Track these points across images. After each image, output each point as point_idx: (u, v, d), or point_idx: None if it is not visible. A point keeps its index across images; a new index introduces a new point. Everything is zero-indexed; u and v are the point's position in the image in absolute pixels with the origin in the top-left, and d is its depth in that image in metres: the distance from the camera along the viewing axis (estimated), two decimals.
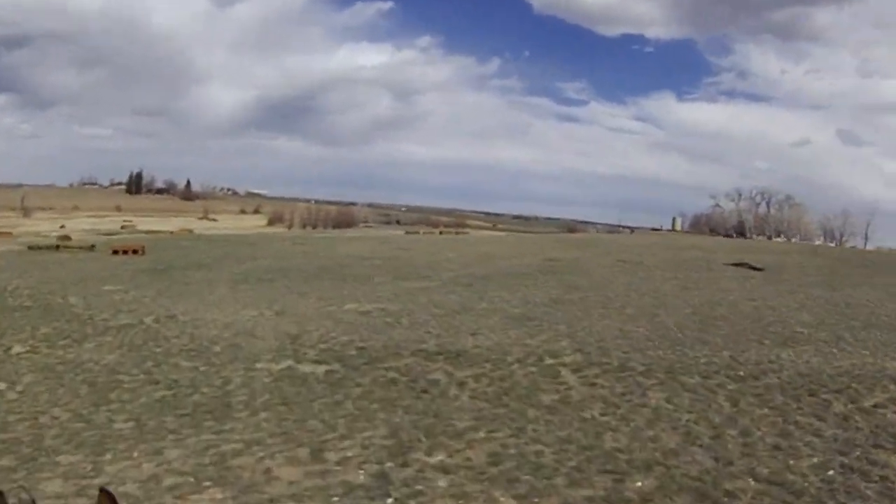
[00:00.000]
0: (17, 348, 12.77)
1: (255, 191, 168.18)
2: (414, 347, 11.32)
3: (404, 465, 6.10)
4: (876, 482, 5.63)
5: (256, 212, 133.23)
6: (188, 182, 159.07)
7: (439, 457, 6.19)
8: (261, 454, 6.47)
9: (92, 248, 32.88)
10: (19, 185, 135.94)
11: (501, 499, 5.33)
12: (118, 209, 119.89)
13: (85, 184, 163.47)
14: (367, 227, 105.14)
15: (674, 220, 76.44)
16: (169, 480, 5.96)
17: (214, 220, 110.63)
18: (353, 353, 11.41)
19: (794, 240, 57.53)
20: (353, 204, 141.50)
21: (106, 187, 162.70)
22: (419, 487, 5.55)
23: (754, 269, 24.10)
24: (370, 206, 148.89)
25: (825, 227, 61.57)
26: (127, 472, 6.25)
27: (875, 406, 7.71)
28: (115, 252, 29.89)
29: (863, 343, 11.14)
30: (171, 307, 16.81)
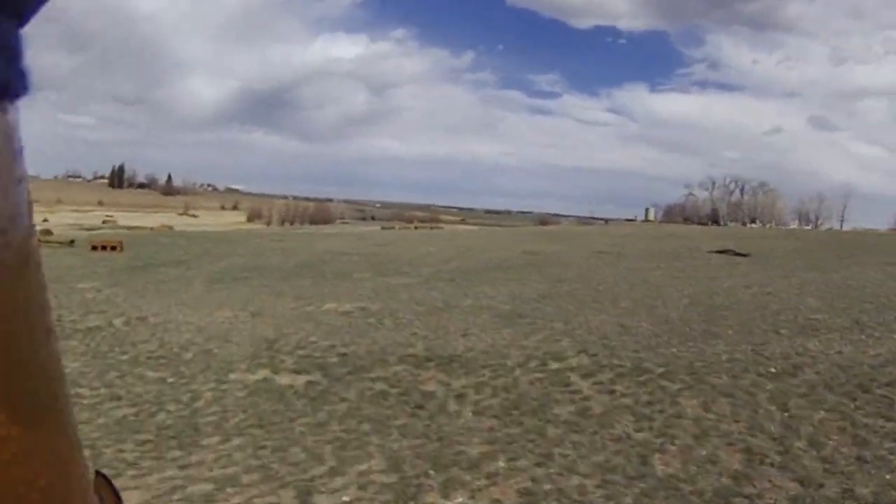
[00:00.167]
0: None
1: (234, 186, 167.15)
2: (401, 352, 10.20)
3: None
4: None
5: (235, 208, 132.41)
6: (169, 177, 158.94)
7: (459, 499, 5.00)
8: (236, 500, 5.31)
9: (72, 243, 31.91)
10: None
11: None
12: (100, 204, 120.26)
13: (69, 176, 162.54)
14: (343, 223, 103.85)
15: (647, 210, 76.44)
16: None
17: (195, 216, 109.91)
18: (335, 360, 10.25)
19: (768, 225, 57.63)
20: (329, 200, 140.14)
21: (89, 181, 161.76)
22: None
23: (739, 255, 23.43)
24: (346, 202, 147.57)
25: (800, 211, 61.90)
26: None
27: None
28: (95, 248, 28.94)
29: (887, 327, 10.22)
30: (143, 308, 15.52)
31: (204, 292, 18.20)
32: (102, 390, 9.48)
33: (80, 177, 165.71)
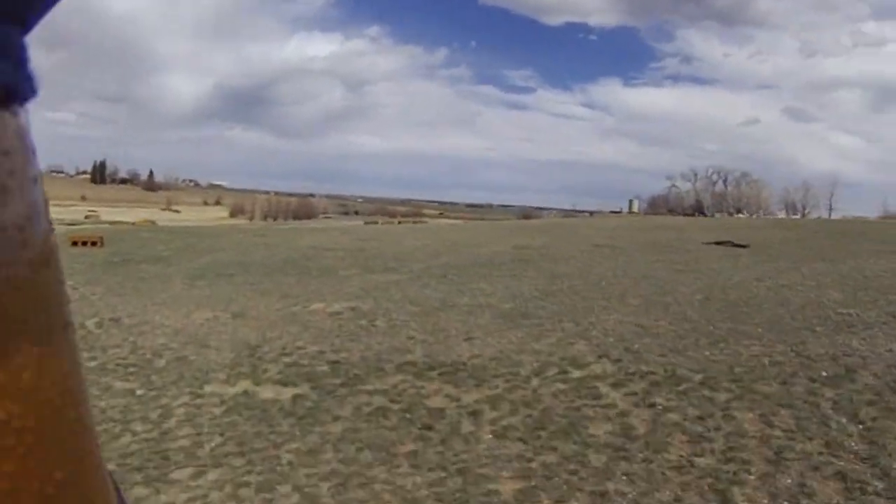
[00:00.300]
0: None
1: (216, 182, 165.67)
2: (399, 360, 9.08)
3: None
4: None
5: (218, 203, 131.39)
6: (151, 172, 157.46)
7: None
8: None
9: None
10: None
11: None
12: (83, 199, 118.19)
13: (52, 172, 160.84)
14: (326, 217, 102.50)
15: (630, 202, 75.47)
16: None
17: (177, 211, 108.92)
18: (326, 369, 9.10)
19: (755, 215, 57.13)
20: (311, 195, 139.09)
21: (72, 176, 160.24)
22: None
23: (738, 246, 22.57)
24: (328, 197, 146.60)
25: (787, 201, 61.38)
26: None
27: None
28: (75, 243, 27.57)
29: None
30: (118, 308, 14.24)
31: (183, 290, 16.90)
32: None
33: (62, 172, 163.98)
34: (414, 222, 65.13)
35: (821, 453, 5.12)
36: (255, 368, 9.40)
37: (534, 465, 5.30)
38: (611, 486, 4.78)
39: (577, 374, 7.62)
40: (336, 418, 6.92)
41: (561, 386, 7.18)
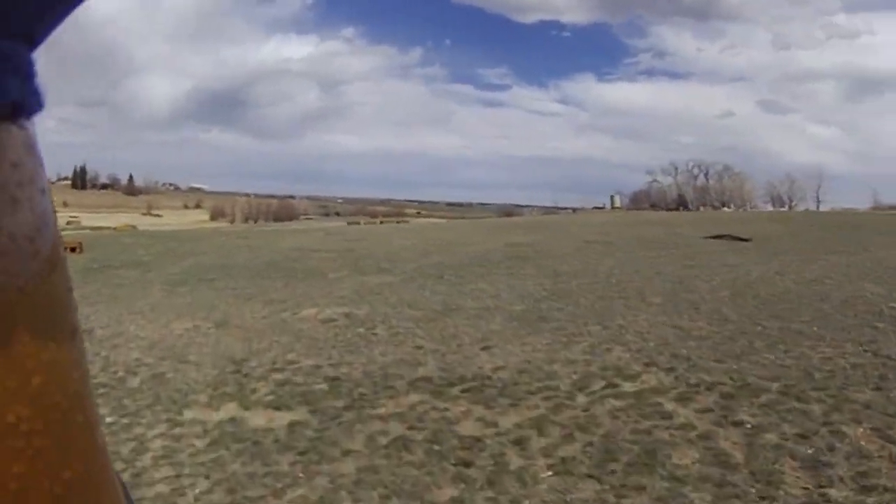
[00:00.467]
0: None
1: (196, 185, 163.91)
2: (410, 374, 7.78)
3: None
4: None
5: (198, 206, 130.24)
6: (131, 177, 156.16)
7: None
8: None
9: None
10: None
11: None
12: (65, 205, 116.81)
13: None
14: (307, 219, 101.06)
15: (612, 198, 74.45)
16: None
17: (159, 215, 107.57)
18: (324, 387, 7.77)
19: (741, 209, 56.55)
20: (292, 197, 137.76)
21: (53, 182, 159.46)
22: None
23: (741, 240, 21.65)
24: (309, 198, 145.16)
25: (772, 194, 60.89)
26: None
27: None
28: None
29: None
30: (91, 318, 12.75)
31: (163, 297, 15.42)
32: None
33: None
34: (397, 222, 63.77)
35: None
36: (242, 388, 8.06)
37: None
38: None
39: (628, 387, 6.40)
40: (346, 453, 5.60)
41: (615, 403, 5.94)
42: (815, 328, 8.37)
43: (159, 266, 21.93)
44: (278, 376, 8.37)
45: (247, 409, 7.29)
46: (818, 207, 56.45)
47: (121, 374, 9.18)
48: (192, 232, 46.99)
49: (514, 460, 5.03)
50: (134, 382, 8.77)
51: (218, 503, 4.95)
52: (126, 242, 32.81)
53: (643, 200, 69.29)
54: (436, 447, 5.40)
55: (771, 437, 4.96)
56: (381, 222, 62.05)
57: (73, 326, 0.26)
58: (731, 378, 6.40)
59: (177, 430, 6.86)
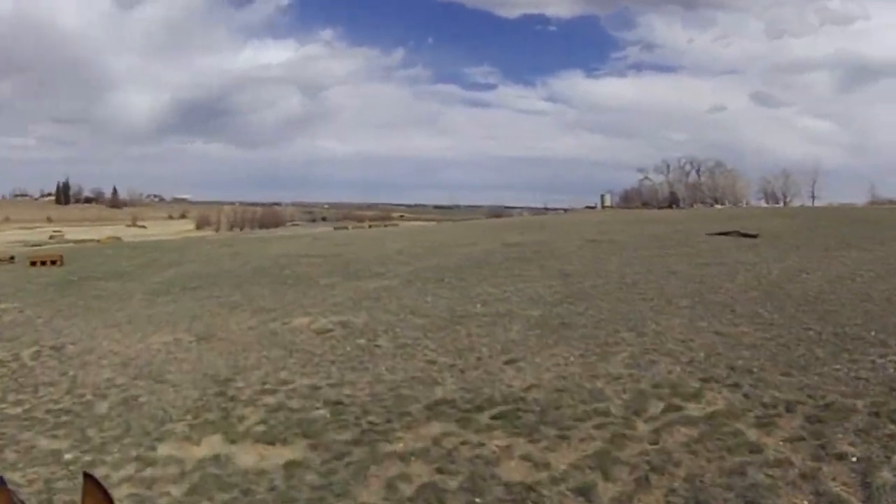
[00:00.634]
0: None
1: (181, 196, 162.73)
2: (427, 397, 6.68)
3: None
4: None
5: (183, 216, 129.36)
6: (115, 190, 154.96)
7: None
8: None
9: (11, 259, 28.24)
10: None
11: None
12: (49, 220, 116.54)
13: (17, 195, 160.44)
14: (294, 225, 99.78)
15: (602, 196, 73.56)
16: None
17: (143, 226, 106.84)
18: (325, 413, 6.66)
19: (736, 206, 55.82)
20: (277, 204, 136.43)
21: (37, 199, 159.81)
22: None
23: (749, 236, 20.77)
24: (294, 204, 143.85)
25: (766, 190, 60.29)
26: None
27: None
28: (34, 263, 25.36)
29: None
30: (63, 332, 11.58)
31: (142, 308, 14.19)
32: None
33: (27, 195, 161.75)
34: (385, 225, 62.44)
35: None
36: (228, 415, 6.94)
37: None
38: None
39: (694, 409, 5.36)
40: None
41: (686, 432, 4.90)
42: (872, 332, 7.41)
43: (141, 276, 20.65)
44: (270, 400, 7.28)
45: (233, 442, 6.19)
46: (813, 203, 55.94)
47: (88, 397, 8.08)
48: (175, 241, 45.59)
49: None
50: (102, 408, 7.66)
51: None
52: (108, 254, 31.43)
53: (634, 199, 68.43)
54: (478, 501, 4.31)
55: (887, 476, 3.94)
56: (370, 226, 60.75)
57: None
58: (808, 396, 5.40)
59: (148, 472, 5.74)
